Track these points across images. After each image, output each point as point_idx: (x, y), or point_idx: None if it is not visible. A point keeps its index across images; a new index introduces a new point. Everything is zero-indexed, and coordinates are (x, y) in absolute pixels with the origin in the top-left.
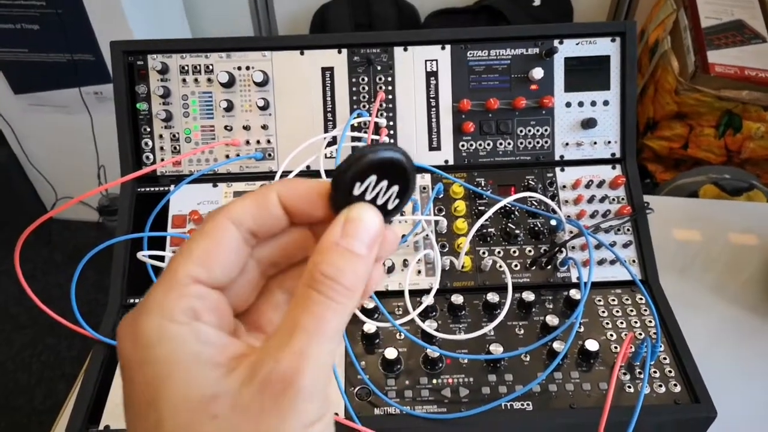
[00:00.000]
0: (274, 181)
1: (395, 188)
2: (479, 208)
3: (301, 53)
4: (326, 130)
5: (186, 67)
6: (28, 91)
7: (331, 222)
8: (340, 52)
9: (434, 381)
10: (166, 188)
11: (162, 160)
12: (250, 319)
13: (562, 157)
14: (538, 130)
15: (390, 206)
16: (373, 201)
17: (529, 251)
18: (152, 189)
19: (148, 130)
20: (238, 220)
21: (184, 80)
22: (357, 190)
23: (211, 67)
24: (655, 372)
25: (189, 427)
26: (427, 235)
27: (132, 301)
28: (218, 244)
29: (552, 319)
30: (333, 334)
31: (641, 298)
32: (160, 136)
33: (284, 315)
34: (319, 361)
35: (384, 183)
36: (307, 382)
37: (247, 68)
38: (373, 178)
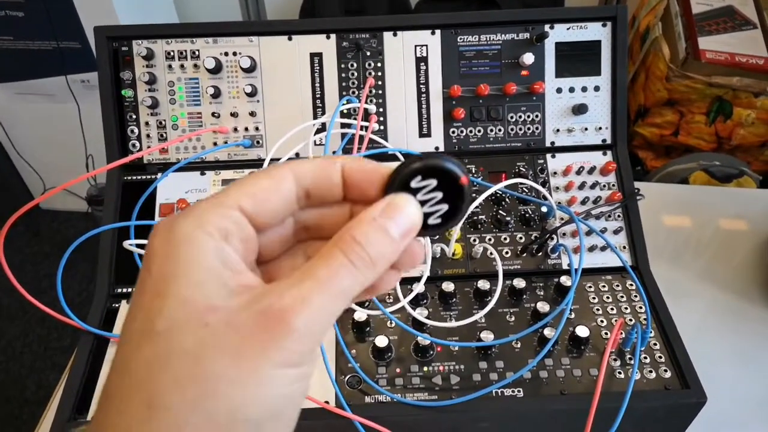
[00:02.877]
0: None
1: (444, 207)
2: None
3: (289, 38)
4: (315, 117)
5: (172, 53)
6: (13, 79)
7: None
8: (328, 37)
9: (425, 368)
10: (153, 176)
11: (148, 147)
12: (269, 271)
13: (552, 143)
14: (528, 116)
15: (430, 221)
16: (421, 204)
17: (520, 238)
18: (139, 177)
19: (134, 117)
20: (300, 175)
21: (170, 66)
22: (414, 183)
23: (197, 52)
24: (645, 358)
25: (183, 325)
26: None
27: (120, 290)
28: (274, 188)
29: (543, 306)
30: (341, 293)
31: (631, 285)
32: (147, 124)
33: (304, 265)
34: (319, 312)
35: (438, 195)
36: (300, 324)
37: (234, 54)
38: (432, 182)
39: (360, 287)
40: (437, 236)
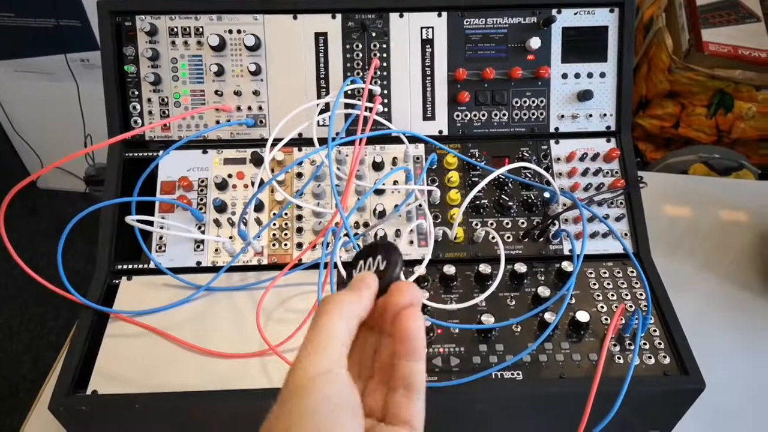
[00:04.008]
0: None
1: (379, 257)
2: (473, 179)
3: (294, 17)
4: (319, 97)
5: (175, 29)
6: (13, 56)
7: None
8: (334, 17)
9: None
10: (155, 153)
11: (150, 124)
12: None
13: (557, 129)
14: (533, 102)
15: (382, 267)
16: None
17: (522, 223)
18: (140, 154)
19: (136, 93)
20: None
21: (173, 42)
22: (360, 269)
23: (201, 29)
24: (645, 344)
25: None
26: (420, 205)
27: (120, 267)
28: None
29: (543, 291)
30: (329, 325)
31: (632, 271)
32: (149, 100)
33: None
34: (314, 333)
35: (370, 259)
36: (308, 345)
37: (239, 32)
38: (369, 260)
39: (355, 312)
40: (401, 269)
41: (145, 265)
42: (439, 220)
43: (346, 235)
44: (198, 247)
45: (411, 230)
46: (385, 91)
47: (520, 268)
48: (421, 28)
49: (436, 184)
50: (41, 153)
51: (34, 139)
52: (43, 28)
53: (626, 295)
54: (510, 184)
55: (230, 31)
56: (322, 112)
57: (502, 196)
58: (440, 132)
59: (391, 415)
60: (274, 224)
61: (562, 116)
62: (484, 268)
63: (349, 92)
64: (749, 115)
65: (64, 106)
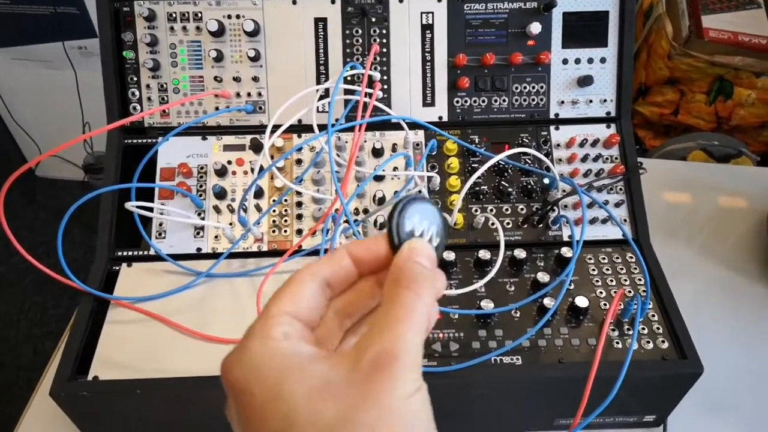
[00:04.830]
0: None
1: (433, 228)
2: (472, 165)
3: (294, 2)
4: (318, 83)
5: (174, 15)
6: (10, 44)
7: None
8: (333, 2)
9: None
10: (154, 140)
11: (149, 110)
12: None
13: (557, 115)
14: (533, 87)
15: (433, 244)
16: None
17: (522, 209)
18: (139, 141)
19: (135, 79)
20: (317, 271)
21: (171, 28)
22: (408, 227)
23: (199, 14)
24: (643, 329)
25: (315, 410)
26: (419, 192)
27: (120, 253)
28: (300, 287)
29: (543, 276)
30: (420, 320)
31: (631, 257)
32: (148, 86)
33: (377, 312)
34: (414, 341)
35: (426, 223)
36: (408, 358)
37: (237, 17)
38: (417, 216)
39: (428, 310)
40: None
41: (145, 252)
42: (439, 206)
43: (346, 221)
44: (198, 233)
45: None
46: (385, 77)
47: (520, 254)
48: (421, 13)
49: (436, 170)
50: (39, 141)
51: (32, 128)
52: (40, 16)
53: (625, 280)
54: (510, 170)
55: (229, 17)
56: (321, 98)
57: (502, 182)
58: (440, 118)
59: None
60: (274, 211)
61: (562, 102)
62: (484, 254)
63: (349, 78)
64: (749, 101)
65: (62, 94)
